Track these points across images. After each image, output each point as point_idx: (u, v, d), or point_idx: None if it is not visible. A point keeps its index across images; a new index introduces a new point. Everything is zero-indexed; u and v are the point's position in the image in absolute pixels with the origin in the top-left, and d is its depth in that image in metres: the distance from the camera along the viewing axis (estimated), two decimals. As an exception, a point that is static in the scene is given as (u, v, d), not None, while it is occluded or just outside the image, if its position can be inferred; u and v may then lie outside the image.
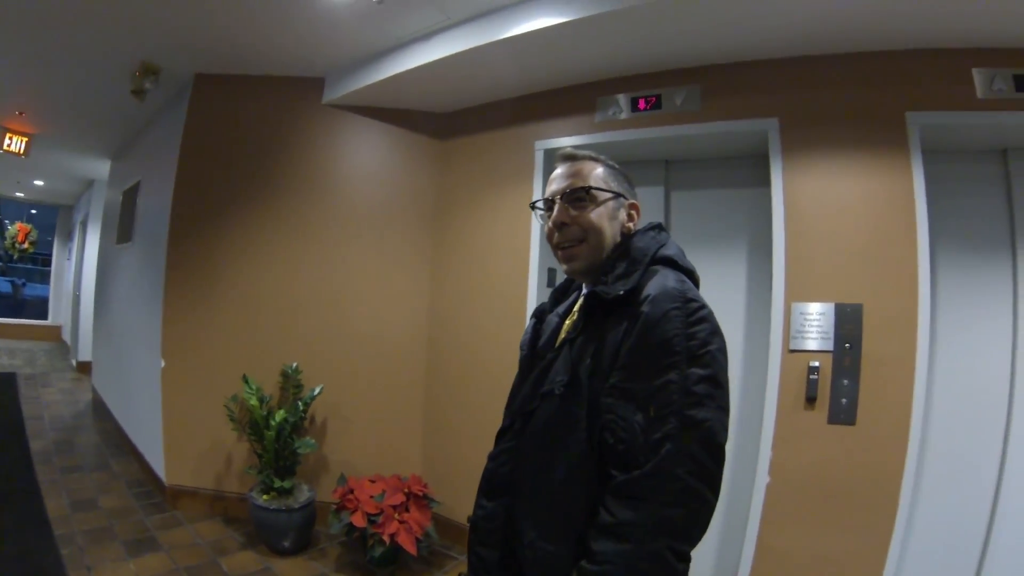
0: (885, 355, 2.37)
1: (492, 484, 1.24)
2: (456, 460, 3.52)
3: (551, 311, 1.41)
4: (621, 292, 1.09)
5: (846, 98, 2.53)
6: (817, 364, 2.45)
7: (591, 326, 1.15)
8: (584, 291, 1.29)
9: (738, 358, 2.86)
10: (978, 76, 2.36)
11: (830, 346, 2.44)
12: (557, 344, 1.25)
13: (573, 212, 1.22)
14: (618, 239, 1.24)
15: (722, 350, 1.06)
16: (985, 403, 2.50)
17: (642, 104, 2.93)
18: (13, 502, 3.48)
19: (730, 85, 2.75)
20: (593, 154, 1.29)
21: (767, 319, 2.63)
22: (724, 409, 1.03)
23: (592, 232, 1.21)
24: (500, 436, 1.28)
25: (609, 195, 1.23)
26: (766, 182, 2.70)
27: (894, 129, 2.43)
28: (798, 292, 2.52)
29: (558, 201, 1.24)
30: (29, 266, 16.04)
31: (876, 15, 2.26)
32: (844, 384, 2.41)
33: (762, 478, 2.50)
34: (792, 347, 2.51)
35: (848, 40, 2.46)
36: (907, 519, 2.31)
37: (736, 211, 3.00)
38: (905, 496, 2.29)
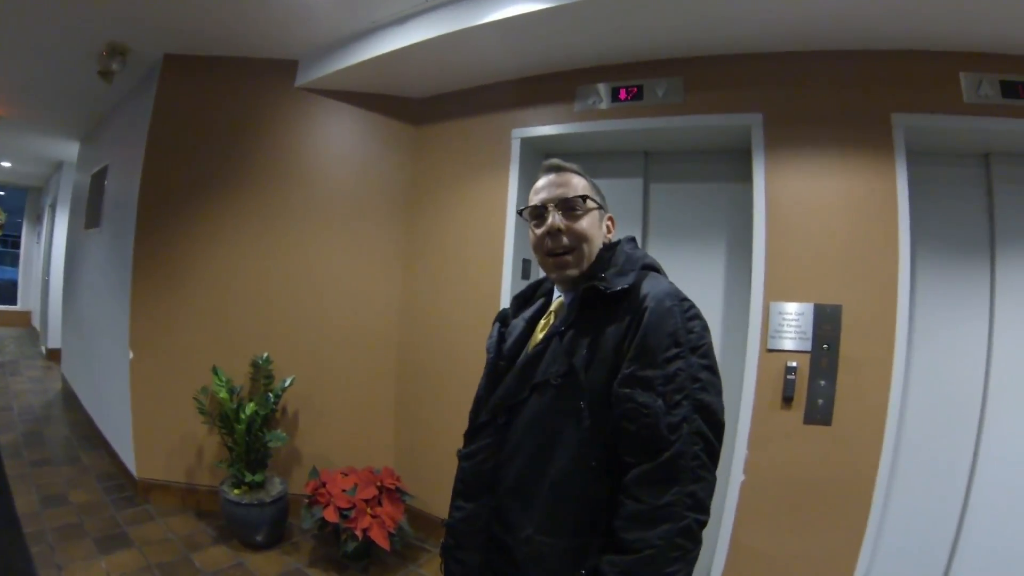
0: (863, 356, 2.38)
1: (470, 484, 1.25)
2: (429, 452, 3.49)
3: (515, 316, 1.43)
4: (620, 288, 1.15)
5: (832, 96, 2.51)
6: (795, 364, 2.46)
7: (583, 320, 1.19)
8: (560, 295, 1.33)
9: (717, 356, 2.84)
10: (965, 80, 2.36)
11: (808, 346, 2.45)
12: (532, 345, 1.28)
13: (566, 220, 1.25)
14: (600, 248, 1.29)
15: (711, 346, 1.15)
16: (959, 405, 2.52)
17: (623, 94, 2.88)
18: (-18, 499, 3.40)
19: (714, 78, 2.71)
20: (577, 168, 1.33)
21: (744, 317, 2.63)
22: (720, 394, 1.13)
23: (584, 240, 1.25)
24: (475, 434, 1.28)
25: (596, 206, 1.29)
26: (747, 177, 2.68)
27: (879, 129, 2.42)
28: (777, 291, 2.51)
29: (551, 208, 1.26)
30: (-1, 249, 15.63)
31: (866, 14, 2.23)
32: (821, 385, 2.42)
33: (737, 476, 2.51)
34: (770, 346, 2.51)
35: (836, 38, 2.43)
36: (880, 518, 2.34)
37: (715, 206, 2.97)
38: (878, 496, 2.32)
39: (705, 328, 1.15)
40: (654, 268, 1.25)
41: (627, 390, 1.09)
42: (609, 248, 1.29)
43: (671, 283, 1.19)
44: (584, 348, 1.16)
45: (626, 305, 1.15)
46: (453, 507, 1.28)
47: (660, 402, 1.06)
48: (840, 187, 2.47)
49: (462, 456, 1.29)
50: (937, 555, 2.48)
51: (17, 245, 11.85)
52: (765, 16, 2.34)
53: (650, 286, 1.16)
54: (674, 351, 1.09)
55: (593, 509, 1.11)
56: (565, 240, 1.24)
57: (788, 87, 2.58)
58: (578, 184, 1.28)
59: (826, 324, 2.42)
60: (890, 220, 2.38)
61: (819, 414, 2.41)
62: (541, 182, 1.31)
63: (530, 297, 1.46)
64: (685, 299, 1.15)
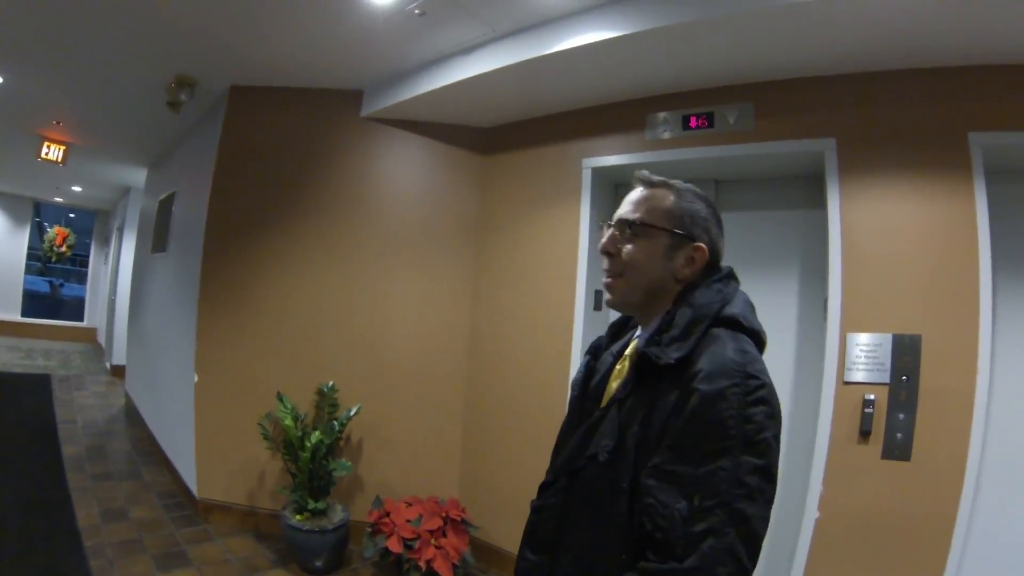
0: (943, 388, 2.27)
1: (536, 538, 1.19)
2: (495, 483, 3.46)
3: (607, 348, 1.31)
4: (673, 360, 1.00)
5: (905, 118, 2.42)
6: (872, 397, 2.35)
7: (642, 388, 1.05)
8: (639, 335, 1.21)
9: (788, 388, 2.78)
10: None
11: (886, 378, 2.35)
12: (606, 397, 1.17)
13: (619, 242, 1.15)
14: (670, 284, 1.14)
15: (777, 437, 0.96)
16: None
17: (694, 122, 2.85)
18: (44, 509, 3.50)
19: (785, 103, 2.66)
20: (671, 182, 1.19)
21: (818, 347, 2.55)
22: (770, 503, 0.94)
23: (630, 269, 1.13)
24: (544, 489, 1.21)
25: (664, 233, 1.13)
26: (819, 203, 2.62)
27: (955, 150, 2.31)
28: (854, 322, 2.42)
29: (611, 226, 1.18)
30: (67, 266, 16.43)
31: (938, 30, 2.14)
32: (900, 418, 2.32)
33: (812, 513, 2.42)
34: (847, 379, 2.42)
35: (907, 56, 2.35)
36: (959, 559, 2.20)
37: (788, 233, 2.90)
38: (959, 535, 2.19)
39: (771, 416, 0.95)
40: (731, 322, 1.05)
41: (651, 482, 0.95)
42: (683, 296, 1.11)
43: (740, 350, 0.99)
44: (637, 424, 1.02)
45: (680, 379, 0.98)
46: (520, 555, 1.22)
47: (683, 504, 0.91)
48: (916, 211, 2.38)
49: (533, 508, 1.22)
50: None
51: (85, 264, 12.43)
52: (834, 36, 2.28)
53: (709, 358, 0.98)
54: (718, 445, 0.91)
55: None
56: (615, 264, 1.15)
57: (860, 110, 2.51)
58: (656, 204, 1.15)
59: (905, 355, 2.32)
60: (970, 244, 2.27)
61: (897, 449, 2.31)
62: (628, 195, 1.21)
63: (624, 324, 1.33)
64: (752, 375, 0.95)
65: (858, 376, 2.40)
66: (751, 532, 0.90)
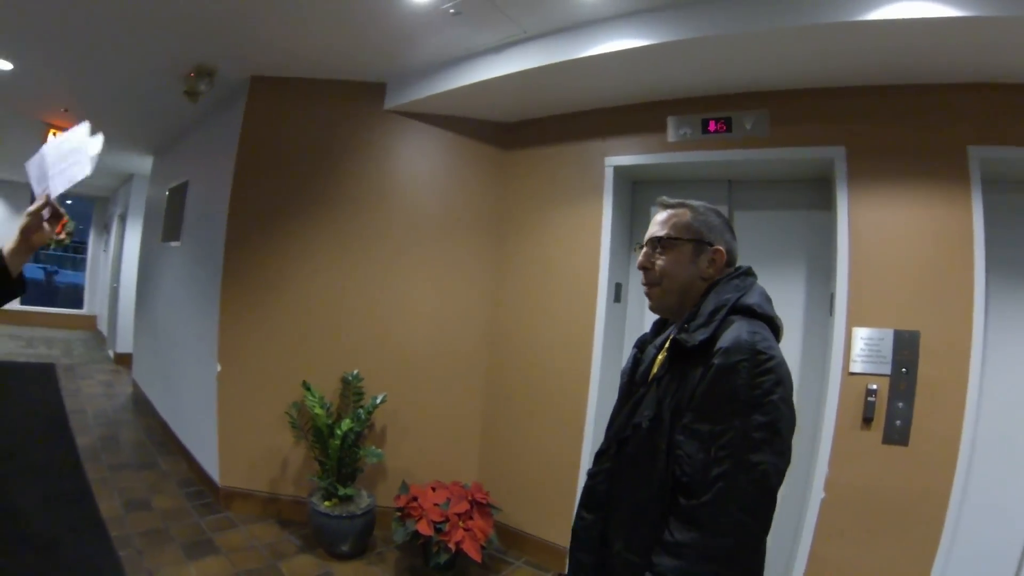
0: (939, 380, 2.46)
1: (591, 499, 1.40)
2: (515, 468, 3.56)
3: (651, 341, 1.53)
4: (698, 342, 1.22)
5: (911, 130, 2.60)
6: (875, 387, 2.55)
7: (676, 367, 1.28)
8: (674, 330, 1.42)
9: (795, 378, 2.87)
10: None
11: (887, 370, 2.54)
12: (650, 378, 1.38)
13: (652, 257, 1.39)
14: (698, 283, 1.36)
15: (784, 399, 1.16)
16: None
17: (712, 126, 2.96)
18: (66, 502, 3.49)
19: (799, 111, 2.81)
20: (690, 202, 1.42)
21: (823, 340, 2.78)
22: (780, 454, 1.14)
23: (665, 277, 1.37)
24: (599, 457, 1.42)
25: (687, 243, 1.37)
26: (826, 205, 2.84)
27: (956, 161, 2.50)
28: (859, 317, 2.61)
29: (645, 246, 1.42)
30: (60, 253, 16.28)
31: (945, 49, 2.27)
32: (899, 407, 2.51)
33: (817, 494, 2.60)
34: (852, 370, 2.61)
35: (914, 71, 2.50)
36: (952, 535, 2.41)
37: (796, 233, 3.06)
38: (951, 514, 2.40)
39: (777, 383, 1.15)
40: (747, 310, 1.26)
41: (681, 438, 1.18)
42: (706, 292, 1.33)
43: (752, 331, 1.20)
44: (671, 395, 1.25)
45: (704, 357, 1.20)
46: (577, 515, 1.43)
47: (702, 455, 1.13)
48: (918, 217, 2.56)
49: (589, 474, 1.43)
50: (1006, 573, 2.54)
51: (79, 251, 12.31)
52: (850, 53, 2.41)
53: (727, 338, 1.19)
54: (730, 408, 1.13)
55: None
56: (651, 276, 1.39)
57: (869, 121, 2.67)
58: (677, 221, 1.38)
59: (905, 349, 2.51)
60: (966, 248, 2.46)
61: (897, 435, 2.50)
62: (653, 217, 1.44)
63: (665, 322, 1.54)
64: (761, 351, 1.16)
65: (862, 367, 2.59)
66: (760, 475, 1.11)
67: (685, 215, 1.39)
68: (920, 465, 2.45)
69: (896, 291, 2.55)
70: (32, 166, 1.43)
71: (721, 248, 1.37)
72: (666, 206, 1.43)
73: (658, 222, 1.41)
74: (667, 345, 1.38)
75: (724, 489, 1.10)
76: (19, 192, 10.36)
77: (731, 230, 1.42)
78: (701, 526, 1.10)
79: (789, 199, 3.09)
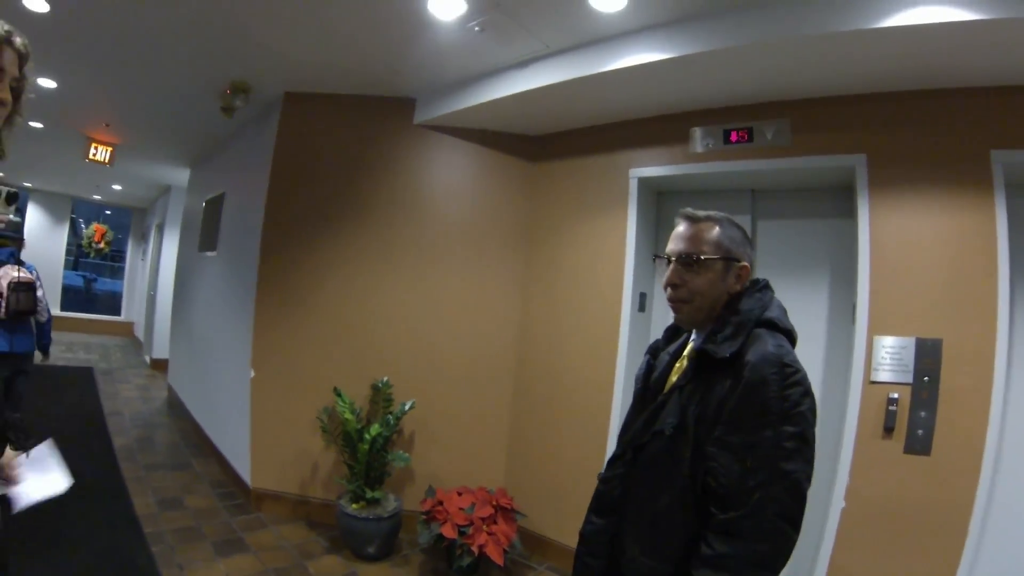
0: (962, 389, 2.41)
1: (602, 504, 1.43)
2: (540, 475, 3.60)
3: (664, 348, 1.56)
4: (727, 355, 1.24)
5: (932, 135, 2.55)
6: (896, 396, 2.50)
7: (700, 377, 1.30)
8: (694, 338, 1.43)
9: (817, 386, 2.85)
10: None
11: (909, 379, 2.49)
12: (667, 387, 1.41)
13: (684, 275, 1.37)
14: (724, 298, 1.37)
15: (811, 409, 1.21)
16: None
17: (734, 136, 2.98)
18: (102, 499, 3.64)
19: (819, 120, 2.80)
20: (714, 215, 1.40)
21: (846, 348, 2.71)
22: (809, 461, 1.19)
23: (697, 296, 1.36)
24: (612, 462, 1.44)
25: (719, 260, 1.36)
26: (849, 213, 2.79)
27: (978, 166, 2.45)
28: (881, 326, 2.57)
29: (672, 262, 1.39)
30: (99, 261, 16.76)
31: (964, 53, 2.25)
32: (921, 416, 2.46)
33: (838, 503, 2.56)
34: (873, 379, 2.56)
35: (934, 76, 2.46)
36: (975, 547, 2.34)
37: (819, 241, 3.04)
38: (975, 525, 2.33)
39: (804, 394, 1.19)
40: (769, 324, 1.29)
41: (714, 450, 1.21)
42: (731, 304, 1.35)
43: (778, 344, 1.24)
44: (695, 404, 1.27)
45: (732, 369, 1.23)
46: (587, 519, 1.45)
47: (738, 466, 1.16)
48: (941, 223, 2.51)
49: (600, 479, 1.45)
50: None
51: (117, 259, 12.69)
52: (869, 60, 2.40)
53: (754, 351, 1.22)
54: (762, 420, 1.16)
55: (687, 543, 1.23)
56: (681, 293, 1.37)
57: (889, 128, 2.63)
58: (707, 237, 1.36)
59: (927, 357, 2.46)
60: (989, 256, 2.40)
61: (919, 444, 2.45)
62: (676, 230, 1.42)
63: (678, 330, 1.56)
64: (788, 364, 1.20)
65: (883, 376, 2.54)
66: (794, 483, 1.15)
67: (712, 229, 1.37)
68: (942, 475, 2.39)
69: (918, 299, 2.51)
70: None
71: (747, 264, 1.39)
72: (691, 218, 1.41)
73: (685, 237, 1.38)
74: (686, 353, 1.42)
75: (762, 499, 1.13)
76: (58, 202, 10.73)
77: (750, 241, 1.43)
78: (743, 536, 1.14)
79: (812, 208, 3.08)
